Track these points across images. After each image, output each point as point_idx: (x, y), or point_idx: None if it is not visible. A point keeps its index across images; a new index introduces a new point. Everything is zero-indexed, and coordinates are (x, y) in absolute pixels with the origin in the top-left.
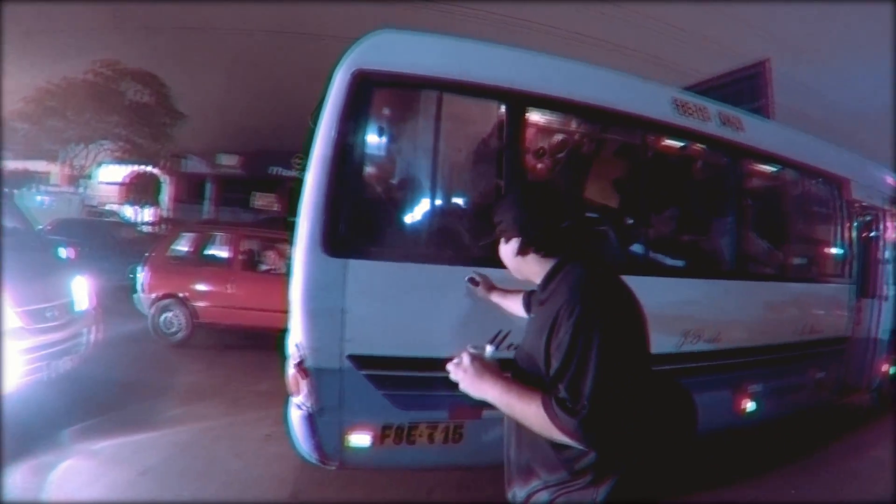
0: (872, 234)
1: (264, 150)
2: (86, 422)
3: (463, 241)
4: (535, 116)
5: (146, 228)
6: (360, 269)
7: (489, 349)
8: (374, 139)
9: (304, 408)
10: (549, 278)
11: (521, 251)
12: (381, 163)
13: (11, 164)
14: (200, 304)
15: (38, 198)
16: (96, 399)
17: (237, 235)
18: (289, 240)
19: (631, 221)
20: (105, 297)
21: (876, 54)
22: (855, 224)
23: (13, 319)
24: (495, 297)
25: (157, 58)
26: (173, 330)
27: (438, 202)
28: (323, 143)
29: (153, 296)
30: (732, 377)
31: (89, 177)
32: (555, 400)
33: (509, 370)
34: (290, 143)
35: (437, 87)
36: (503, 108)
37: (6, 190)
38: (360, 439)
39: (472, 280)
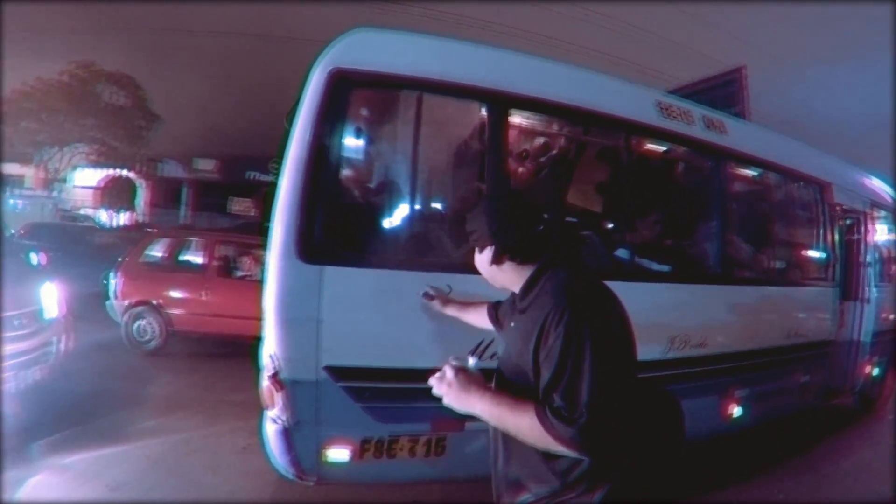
0: (854, 237)
1: (242, 155)
2: (55, 435)
3: (443, 247)
4: (518, 118)
5: (121, 233)
6: (337, 277)
7: (472, 361)
8: (351, 141)
9: (279, 421)
10: (529, 286)
11: (496, 260)
12: (359, 166)
13: None
14: (175, 311)
15: (12, 201)
16: (66, 411)
17: (212, 241)
18: (265, 245)
19: (615, 226)
20: (77, 303)
21: (852, 60)
22: (837, 227)
23: None
24: (451, 311)
25: (133, 59)
26: (147, 338)
27: (418, 207)
28: (298, 145)
29: (126, 303)
30: (719, 383)
31: (64, 180)
32: (549, 410)
33: (494, 382)
34: (268, 148)
35: (417, 88)
36: (485, 110)
37: None
38: (338, 454)
39: (426, 295)
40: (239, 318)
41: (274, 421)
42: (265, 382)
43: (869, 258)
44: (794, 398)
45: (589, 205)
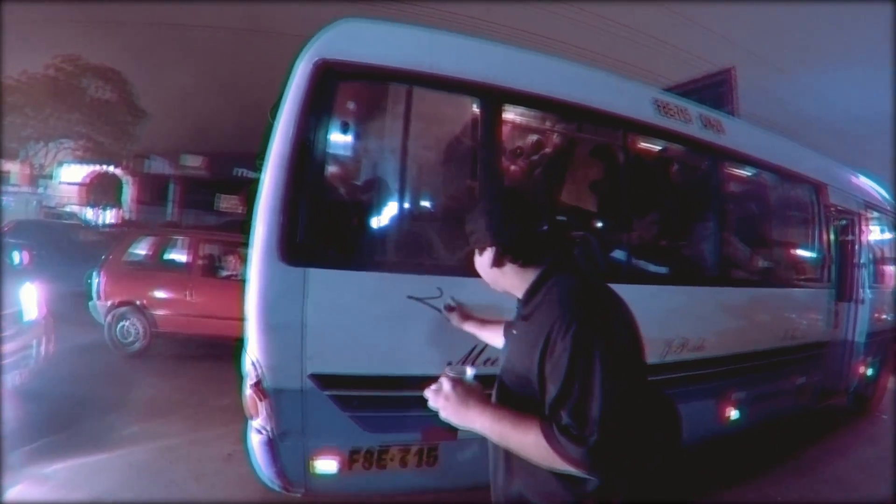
0: (848, 238)
1: (230, 151)
2: (36, 442)
3: (434, 248)
4: (513, 114)
5: (107, 231)
6: (322, 279)
7: (470, 371)
8: (337, 136)
9: (263, 432)
10: (532, 291)
11: (497, 262)
12: (346, 162)
13: None
14: (159, 312)
15: None
16: (47, 417)
17: (197, 239)
18: (249, 243)
19: (610, 226)
20: (60, 304)
21: (838, 64)
22: (832, 228)
23: None
24: (469, 327)
25: (119, 53)
26: (130, 340)
27: (407, 206)
28: (281, 141)
29: (109, 303)
30: (717, 386)
31: (49, 176)
32: (557, 427)
33: (495, 392)
34: (256, 144)
35: (406, 81)
36: (478, 105)
37: None
38: (326, 465)
39: (447, 307)
40: (225, 319)
41: (258, 431)
42: (248, 391)
43: (863, 259)
44: (790, 400)
45: (583, 204)
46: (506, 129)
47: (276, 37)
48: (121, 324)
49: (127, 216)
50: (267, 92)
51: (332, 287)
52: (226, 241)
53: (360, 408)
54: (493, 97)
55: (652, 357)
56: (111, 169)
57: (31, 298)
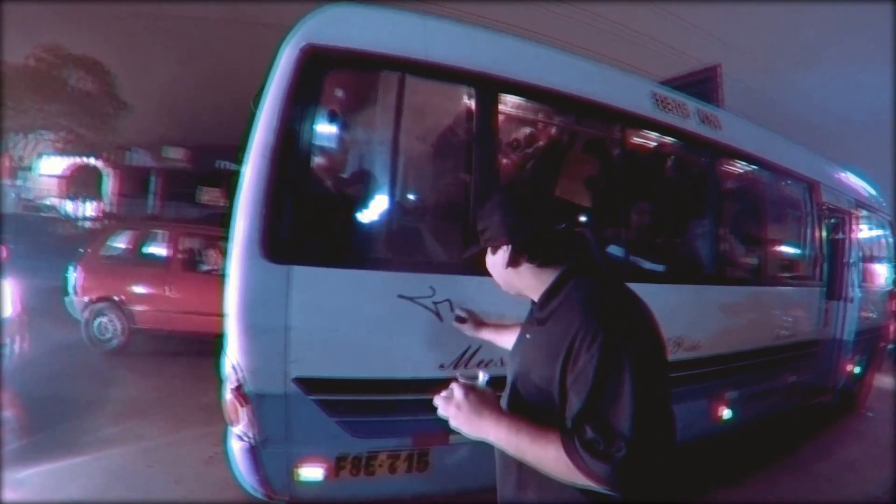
0: (839, 236)
1: (212, 144)
2: (10, 446)
3: (426, 245)
4: (509, 106)
5: (87, 224)
6: (307, 278)
7: (482, 377)
8: (324, 126)
9: (245, 439)
10: (550, 293)
11: (513, 262)
12: (333, 154)
13: None
14: (138, 307)
15: None
16: (22, 419)
17: (177, 233)
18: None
19: (606, 222)
20: (36, 300)
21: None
22: (824, 227)
23: None
24: (486, 335)
25: (101, 44)
26: (108, 336)
27: (397, 200)
28: (265, 130)
29: (86, 299)
30: (711, 385)
31: (29, 168)
32: (579, 442)
33: (506, 399)
34: (239, 137)
35: (398, 68)
36: (473, 95)
37: None
38: (311, 472)
39: (457, 318)
40: (205, 315)
41: (240, 438)
42: (228, 396)
43: (853, 258)
44: (782, 398)
45: (578, 199)
46: (502, 121)
47: (260, 28)
48: (98, 320)
49: (107, 209)
50: (250, 84)
51: (317, 286)
52: (207, 234)
53: (347, 413)
54: (489, 87)
55: None
56: (92, 161)
57: (5, 295)
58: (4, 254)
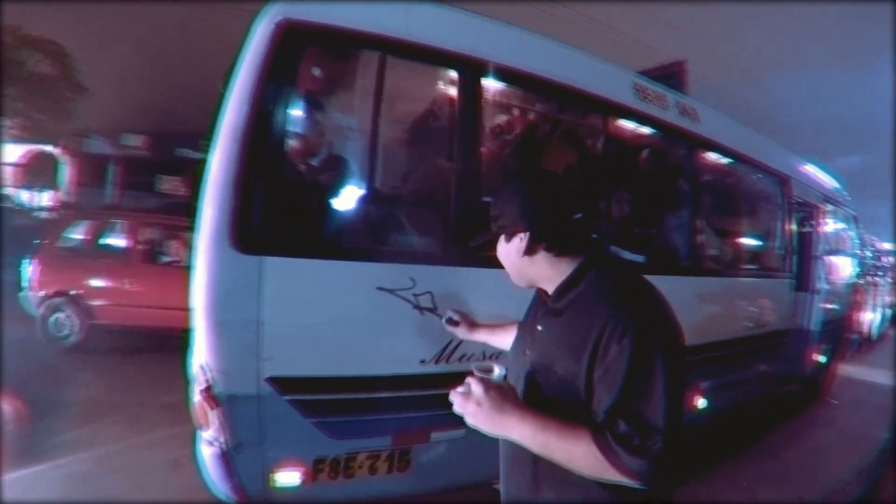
0: (807, 229)
1: (173, 131)
2: None
3: (407, 234)
4: (493, 91)
5: (43, 214)
6: (280, 269)
7: (498, 370)
8: (300, 107)
9: (216, 444)
10: (569, 284)
11: (529, 250)
12: (309, 137)
13: None
14: (96, 302)
15: None
16: None
17: (137, 223)
18: (193, 227)
19: (588, 212)
20: None
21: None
22: (794, 220)
23: None
24: (480, 336)
25: (61, 25)
26: (65, 333)
27: (377, 187)
28: (236, 110)
29: (42, 293)
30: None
31: None
32: (613, 437)
33: (522, 393)
34: (202, 125)
35: (380, 48)
36: (456, 78)
37: None
38: (288, 477)
39: (449, 321)
40: (167, 309)
41: (210, 443)
42: (197, 398)
43: (820, 251)
44: (753, 387)
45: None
46: (486, 106)
47: (228, 10)
48: (55, 316)
49: (64, 198)
50: (214, 69)
51: (292, 278)
52: (168, 224)
53: (324, 413)
54: (473, 70)
55: None
56: (48, 148)
57: None
58: None
